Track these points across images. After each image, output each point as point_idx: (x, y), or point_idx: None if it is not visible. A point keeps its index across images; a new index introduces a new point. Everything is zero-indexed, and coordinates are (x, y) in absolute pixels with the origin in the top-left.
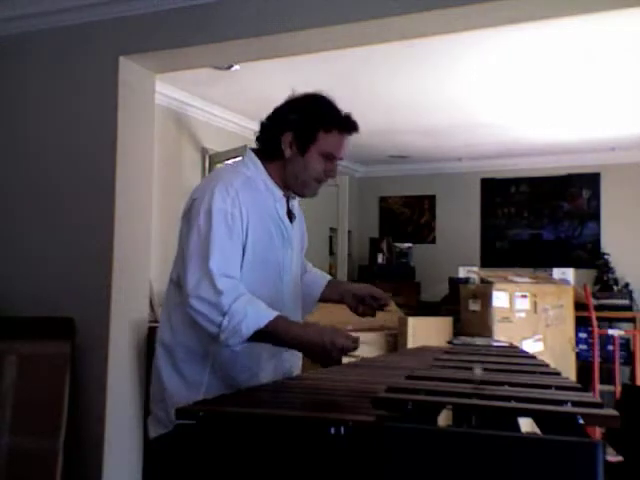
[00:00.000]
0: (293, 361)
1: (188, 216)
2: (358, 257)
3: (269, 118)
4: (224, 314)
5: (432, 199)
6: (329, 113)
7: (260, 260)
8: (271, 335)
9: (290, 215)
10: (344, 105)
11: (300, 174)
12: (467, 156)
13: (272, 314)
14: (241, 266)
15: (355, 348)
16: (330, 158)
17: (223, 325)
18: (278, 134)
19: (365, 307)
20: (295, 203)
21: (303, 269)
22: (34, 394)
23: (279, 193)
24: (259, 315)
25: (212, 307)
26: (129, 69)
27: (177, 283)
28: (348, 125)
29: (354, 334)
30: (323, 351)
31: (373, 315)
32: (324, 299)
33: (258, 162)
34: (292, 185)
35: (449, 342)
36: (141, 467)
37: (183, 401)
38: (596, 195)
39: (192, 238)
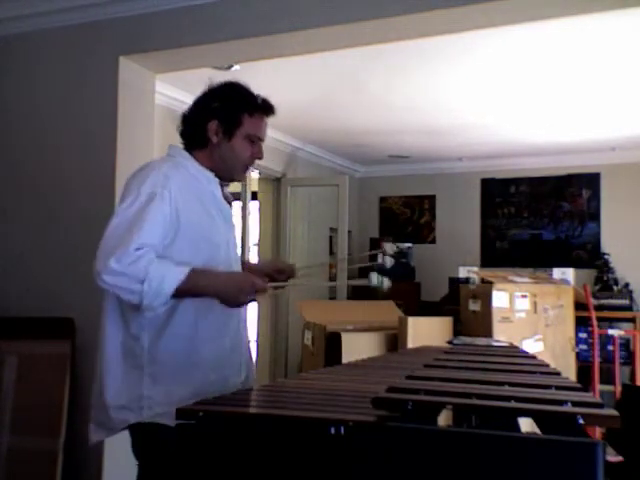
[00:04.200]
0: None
1: (119, 202)
2: (358, 257)
3: (190, 110)
4: (142, 281)
5: (432, 199)
6: (249, 97)
7: (206, 240)
8: (190, 288)
9: (227, 199)
10: (344, 105)
11: (228, 159)
12: (467, 156)
13: (187, 268)
14: (185, 246)
15: (265, 290)
16: (255, 140)
17: (145, 290)
18: (203, 123)
19: (273, 282)
20: (227, 192)
21: None
22: (34, 394)
23: (211, 175)
24: (176, 271)
25: (127, 277)
26: (129, 69)
27: None
28: (268, 107)
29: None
30: (238, 291)
31: (282, 287)
32: None
33: (185, 152)
34: (221, 171)
35: (449, 342)
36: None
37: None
38: (596, 195)
39: (113, 220)
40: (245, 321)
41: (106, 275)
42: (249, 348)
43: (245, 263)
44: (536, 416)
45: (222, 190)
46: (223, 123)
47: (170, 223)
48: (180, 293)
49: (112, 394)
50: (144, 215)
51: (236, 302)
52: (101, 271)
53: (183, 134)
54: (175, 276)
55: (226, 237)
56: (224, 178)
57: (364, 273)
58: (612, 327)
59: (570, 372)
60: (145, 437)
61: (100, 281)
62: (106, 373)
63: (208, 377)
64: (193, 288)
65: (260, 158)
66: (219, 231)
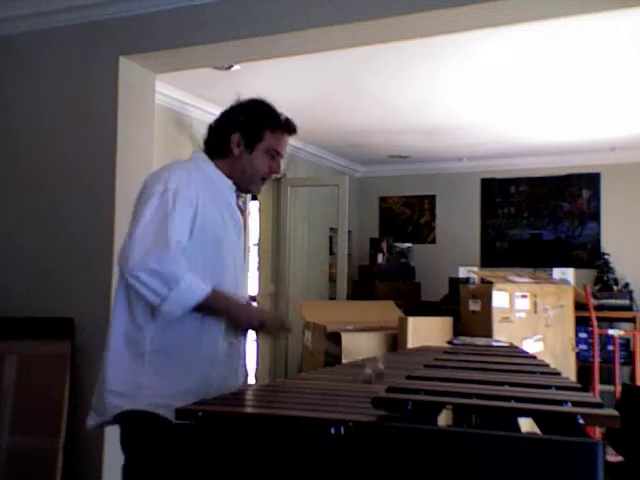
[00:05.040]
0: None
1: (139, 199)
2: (358, 257)
3: (217, 121)
4: (171, 287)
5: (432, 199)
6: (273, 114)
7: (216, 243)
8: (208, 306)
9: (240, 209)
10: (344, 105)
11: (247, 170)
12: (467, 156)
13: (209, 287)
14: (199, 247)
15: (284, 330)
16: (274, 156)
17: (170, 297)
18: (227, 134)
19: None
20: (240, 202)
21: None
22: (34, 394)
23: (230, 182)
24: (201, 289)
25: (161, 280)
26: (129, 69)
27: None
28: (290, 126)
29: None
30: (247, 321)
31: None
32: None
33: (206, 157)
34: (239, 181)
35: (449, 342)
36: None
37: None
38: (596, 195)
39: (144, 215)
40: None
41: (142, 272)
42: (244, 360)
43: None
44: (536, 416)
45: (237, 200)
46: (245, 136)
47: (192, 222)
48: (197, 308)
49: (112, 381)
50: (174, 212)
51: (242, 329)
52: (136, 267)
53: (207, 143)
54: (200, 293)
55: (236, 244)
56: (241, 189)
57: (364, 273)
58: (612, 327)
59: (570, 372)
60: (138, 426)
61: (132, 278)
62: (108, 361)
63: (209, 374)
64: (210, 307)
65: (277, 173)
66: (230, 238)
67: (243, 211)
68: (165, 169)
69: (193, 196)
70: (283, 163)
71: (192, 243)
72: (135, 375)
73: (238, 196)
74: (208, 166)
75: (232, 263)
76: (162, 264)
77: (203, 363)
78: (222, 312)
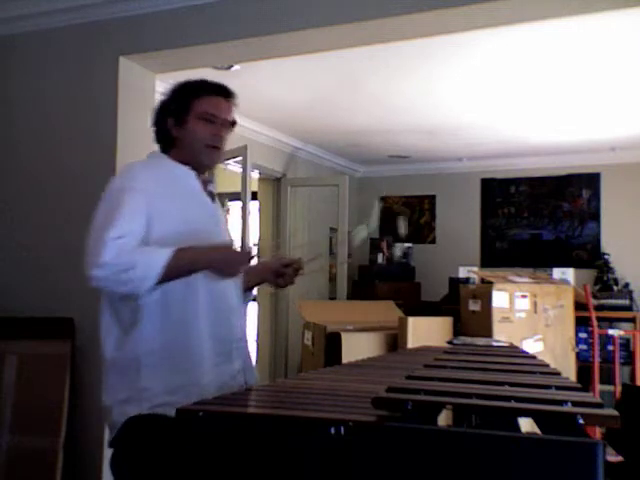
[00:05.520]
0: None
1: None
2: (358, 257)
3: (153, 118)
4: (128, 269)
5: (432, 199)
6: (195, 83)
7: (190, 232)
8: (180, 265)
9: (211, 195)
10: (344, 105)
11: (190, 144)
12: (467, 156)
13: (171, 249)
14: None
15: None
16: (211, 120)
17: (130, 277)
18: (163, 124)
19: (283, 277)
20: (212, 188)
21: None
22: (34, 394)
23: (186, 168)
24: (161, 252)
25: (114, 268)
26: (129, 69)
27: None
28: (216, 87)
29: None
30: (231, 258)
31: (292, 282)
32: (250, 286)
33: (160, 154)
34: (192, 161)
35: (449, 342)
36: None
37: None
38: (596, 195)
39: (94, 223)
40: (239, 312)
41: (96, 271)
42: (246, 344)
43: (251, 269)
44: (536, 416)
45: (206, 187)
46: (175, 115)
47: (147, 214)
48: (171, 273)
49: (112, 391)
50: (117, 207)
51: (230, 270)
52: (90, 269)
53: (156, 141)
54: (161, 257)
55: (209, 232)
56: (199, 168)
57: (364, 273)
58: (612, 327)
59: (570, 372)
60: (144, 430)
61: (93, 280)
62: (105, 371)
63: (202, 365)
64: (183, 264)
65: (222, 138)
66: (200, 227)
67: (214, 198)
68: (118, 173)
69: (138, 189)
70: (283, 163)
71: (155, 239)
72: (134, 381)
73: (207, 183)
74: (164, 160)
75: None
76: (106, 256)
77: (195, 354)
78: (201, 263)
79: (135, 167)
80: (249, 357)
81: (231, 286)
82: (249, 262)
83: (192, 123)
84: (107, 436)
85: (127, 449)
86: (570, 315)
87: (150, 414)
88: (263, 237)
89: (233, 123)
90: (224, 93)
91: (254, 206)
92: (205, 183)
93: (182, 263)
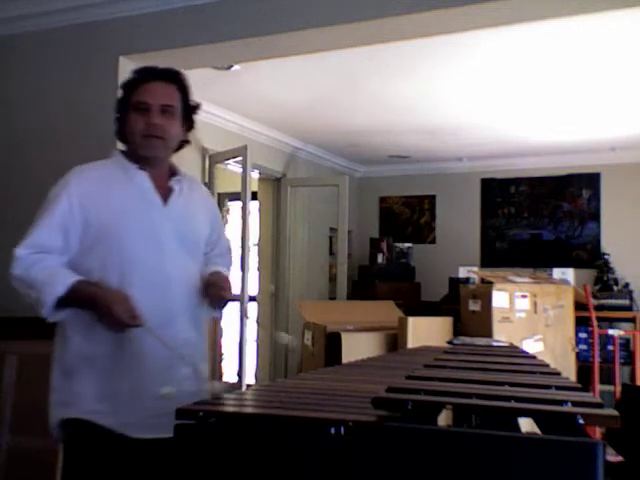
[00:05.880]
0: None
1: None
2: (358, 257)
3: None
4: (30, 286)
5: (432, 199)
6: (133, 75)
7: (118, 237)
8: (76, 301)
9: (168, 192)
10: (344, 105)
11: (131, 138)
12: (467, 156)
13: (71, 280)
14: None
15: (135, 325)
16: (145, 108)
17: (30, 295)
18: (117, 121)
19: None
20: (180, 184)
21: (217, 252)
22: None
23: (127, 163)
24: (58, 283)
25: (21, 282)
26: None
27: None
28: (152, 72)
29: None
30: (109, 316)
31: (212, 305)
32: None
33: (115, 151)
34: (135, 153)
35: (449, 342)
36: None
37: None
38: (596, 195)
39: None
40: (187, 317)
41: (12, 280)
42: (199, 350)
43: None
44: (536, 416)
45: (169, 181)
46: (120, 112)
47: (74, 223)
48: (69, 304)
49: (52, 392)
50: (39, 218)
51: (110, 325)
52: (12, 278)
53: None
54: (55, 289)
55: (157, 229)
56: (142, 160)
57: (364, 273)
58: (612, 327)
59: (570, 372)
60: (71, 433)
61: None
62: (51, 377)
63: (137, 372)
64: (81, 300)
65: (154, 125)
66: (146, 225)
67: (172, 191)
68: None
69: (65, 198)
70: (283, 163)
71: (95, 244)
72: (69, 384)
73: (172, 177)
74: (115, 159)
75: (155, 250)
76: (19, 268)
77: (126, 365)
78: (96, 305)
79: (73, 171)
80: (204, 363)
81: (180, 291)
82: (125, 326)
83: (129, 115)
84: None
85: (64, 450)
86: (570, 315)
87: (77, 419)
88: (263, 238)
89: (170, 106)
90: (163, 77)
91: (254, 206)
92: (164, 178)
93: (81, 297)
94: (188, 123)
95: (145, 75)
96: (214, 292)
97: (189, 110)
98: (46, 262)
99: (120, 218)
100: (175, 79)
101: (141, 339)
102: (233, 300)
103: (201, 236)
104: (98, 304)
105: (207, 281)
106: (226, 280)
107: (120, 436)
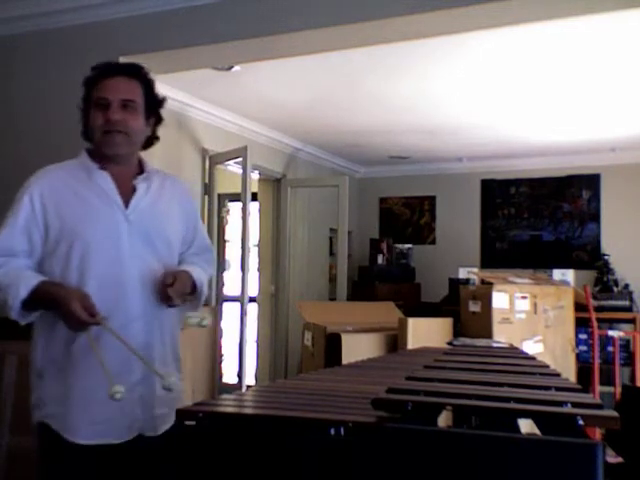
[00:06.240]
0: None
1: None
2: (358, 258)
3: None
4: None
5: (432, 200)
6: (93, 72)
7: (80, 237)
8: (39, 303)
9: (132, 190)
10: (344, 105)
11: (92, 135)
12: (467, 156)
13: (34, 281)
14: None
15: (94, 323)
16: (104, 104)
17: (1, 300)
18: (82, 120)
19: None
20: (148, 182)
21: (194, 250)
22: None
23: (88, 162)
24: (21, 286)
25: None
26: None
27: None
28: (112, 67)
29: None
30: (69, 314)
31: (162, 300)
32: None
33: (83, 151)
34: (98, 150)
35: (449, 343)
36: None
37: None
38: (596, 196)
39: None
40: (144, 320)
41: None
42: (159, 353)
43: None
44: (536, 417)
45: (134, 180)
46: (82, 110)
47: (37, 225)
48: (36, 305)
49: (31, 396)
50: (4, 221)
51: (70, 324)
52: None
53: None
54: (19, 292)
55: (117, 230)
56: (106, 158)
57: (364, 273)
58: (612, 328)
59: (570, 373)
60: (38, 437)
61: None
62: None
63: (91, 372)
64: (44, 301)
65: (113, 120)
66: (106, 226)
67: (135, 189)
68: None
69: (27, 201)
70: (283, 163)
71: (58, 244)
72: (41, 386)
73: (137, 176)
74: (82, 158)
75: (114, 251)
76: None
77: (79, 370)
78: (58, 306)
79: (37, 172)
80: (161, 365)
81: (138, 293)
82: (83, 325)
83: (91, 112)
84: None
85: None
86: (570, 316)
87: (40, 422)
88: (263, 239)
89: (131, 101)
90: (124, 72)
91: (254, 207)
92: (130, 176)
93: (44, 298)
94: (154, 117)
95: (105, 71)
96: (158, 288)
97: (154, 104)
98: (11, 265)
99: (80, 219)
100: (137, 74)
101: (96, 341)
102: (186, 300)
103: (172, 235)
104: (59, 303)
105: (159, 279)
106: (180, 278)
107: (66, 441)
